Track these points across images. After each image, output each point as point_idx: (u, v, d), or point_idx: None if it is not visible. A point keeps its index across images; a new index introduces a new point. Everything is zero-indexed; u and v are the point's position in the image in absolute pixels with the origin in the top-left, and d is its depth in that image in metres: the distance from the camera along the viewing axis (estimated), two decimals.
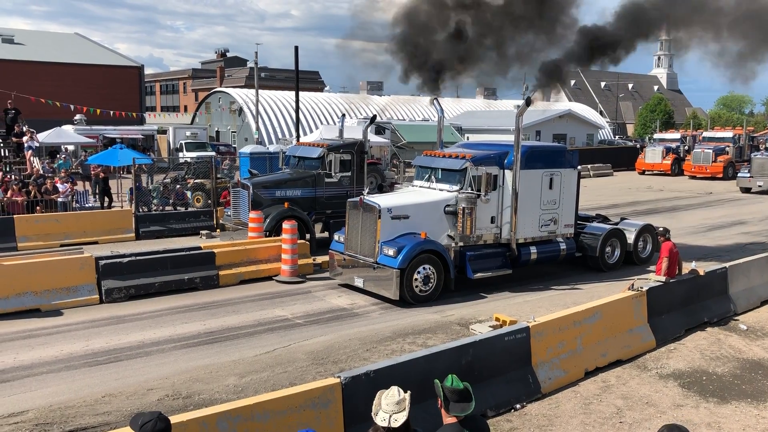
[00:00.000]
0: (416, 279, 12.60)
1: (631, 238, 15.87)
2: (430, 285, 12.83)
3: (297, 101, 36.93)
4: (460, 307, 12.48)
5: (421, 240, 12.72)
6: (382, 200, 13.35)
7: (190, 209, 22.20)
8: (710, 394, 8.74)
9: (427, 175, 14.47)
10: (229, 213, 18.52)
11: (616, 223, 16.39)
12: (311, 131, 46.93)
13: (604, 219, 16.95)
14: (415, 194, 14.12)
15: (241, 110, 56.47)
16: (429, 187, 14.21)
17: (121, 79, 52.20)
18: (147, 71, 67.72)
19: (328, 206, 17.62)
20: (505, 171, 13.77)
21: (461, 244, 13.39)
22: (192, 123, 61.08)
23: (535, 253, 14.27)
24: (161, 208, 22.41)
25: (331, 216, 17.50)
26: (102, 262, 12.80)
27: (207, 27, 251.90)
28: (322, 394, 6.59)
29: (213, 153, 38.44)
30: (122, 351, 10.10)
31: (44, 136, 33.53)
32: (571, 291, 13.77)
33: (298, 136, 36.34)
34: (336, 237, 14.29)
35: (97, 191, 26.94)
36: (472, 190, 13.35)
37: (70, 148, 36.07)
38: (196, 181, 24.37)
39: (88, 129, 40.60)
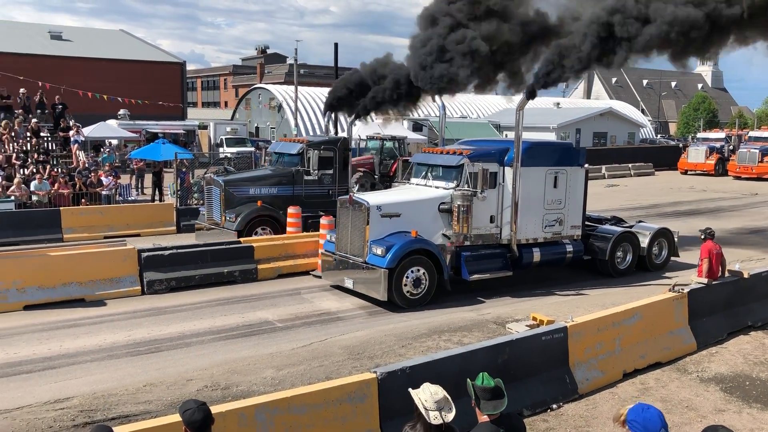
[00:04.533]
0: (405, 282, 12.07)
1: (644, 242, 14.91)
2: (422, 288, 12.26)
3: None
4: (497, 306, 12.41)
5: (411, 238, 12.19)
6: (372, 197, 12.95)
7: None
8: (754, 400, 8.54)
9: (424, 173, 13.98)
10: (203, 212, 17.38)
11: (631, 226, 15.46)
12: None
13: (619, 221, 16.15)
14: (408, 191, 13.63)
15: (280, 106, 56.97)
16: (425, 185, 13.69)
17: (163, 75, 53.02)
18: (188, 67, 68.73)
19: (307, 205, 16.51)
20: (506, 168, 13.22)
21: (457, 243, 12.86)
22: (232, 119, 61.89)
23: (538, 255, 13.72)
24: (202, 202, 22.73)
25: (310, 216, 16.29)
26: (144, 255, 13.06)
27: (247, 23, 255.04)
28: (358, 388, 6.64)
29: (253, 148, 38.87)
30: (163, 341, 10.32)
31: (89, 131, 34.30)
32: (609, 291, 13.56)
33: (336, 132, 36.48)
34: (327, 236, 13.72)
35: (138, 185, 27.60)
36: (469, 187, 12.84)
37: (114, 142, 36.86)
38: None
39: (131, 124, 41.46)
